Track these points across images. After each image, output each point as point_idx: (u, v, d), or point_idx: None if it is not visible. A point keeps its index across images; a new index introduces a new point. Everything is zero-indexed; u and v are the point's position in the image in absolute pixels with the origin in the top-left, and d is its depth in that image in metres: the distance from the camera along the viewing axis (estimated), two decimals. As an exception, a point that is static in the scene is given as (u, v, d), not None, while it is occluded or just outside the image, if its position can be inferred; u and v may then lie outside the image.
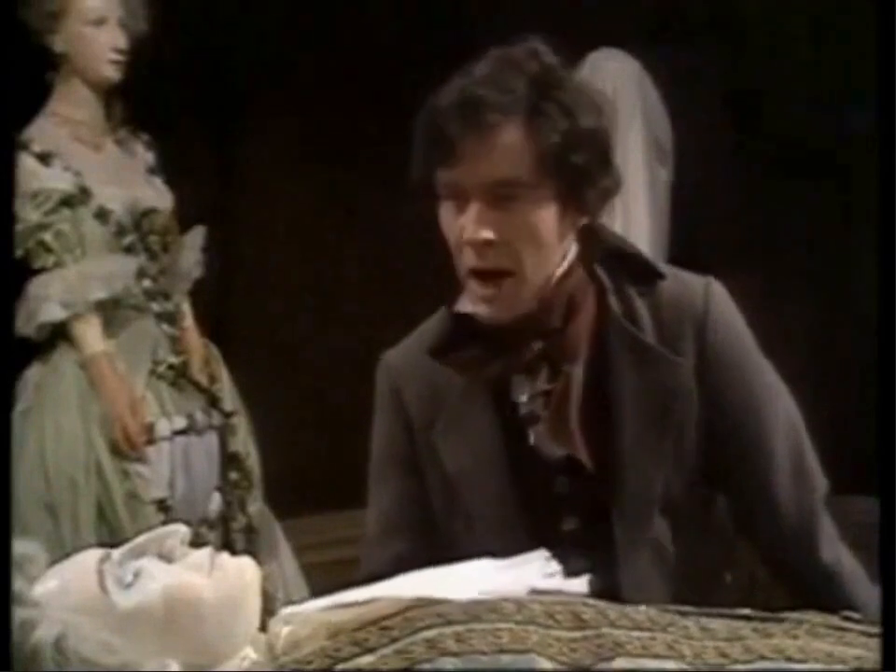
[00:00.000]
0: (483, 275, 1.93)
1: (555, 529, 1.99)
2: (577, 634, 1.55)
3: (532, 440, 1.99)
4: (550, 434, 1.98)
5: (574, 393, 1.98)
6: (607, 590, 1.91)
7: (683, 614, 1.66)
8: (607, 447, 1.98)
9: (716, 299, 2.03)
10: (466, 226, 1.91)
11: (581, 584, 1.77)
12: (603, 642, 1.55)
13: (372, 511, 2.14)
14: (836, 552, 2.05)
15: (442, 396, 2.04)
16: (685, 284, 2.04)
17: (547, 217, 1.92)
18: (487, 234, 1.90)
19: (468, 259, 1.93)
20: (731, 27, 5.05)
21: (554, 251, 1.95)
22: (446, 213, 1.94)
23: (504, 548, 1.95)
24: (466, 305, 2.00)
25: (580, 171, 1.90)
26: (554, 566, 1.78)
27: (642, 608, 1.66)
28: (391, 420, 2.10)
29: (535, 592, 1.69)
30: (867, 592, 1.98)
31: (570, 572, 1.80)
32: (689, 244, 4.42)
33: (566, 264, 1.98)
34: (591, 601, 1.65)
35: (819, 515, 2.05)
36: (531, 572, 1.74)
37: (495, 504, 2.01)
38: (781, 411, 2.05)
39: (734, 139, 4.99)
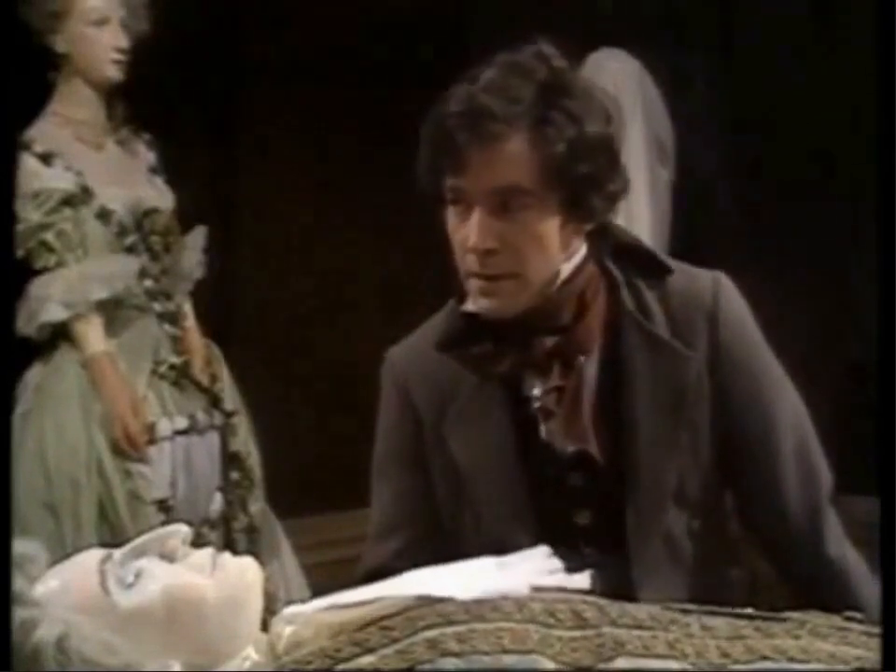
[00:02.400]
0: (484, 277, 1.94)
1: (568, 523, 2.00)
2: (577, 633, 1.55)
3: (544, 434, 2.00)
4: (563, 430, 1.99)
5: (587, 388, 2.00)
6: (618, 585, 1.92)
7: (685, 612, 1.65)
8: (620, 441, 1.99)
9: (725, 293, 2.04)
10: (469, 234, 1.91)
11: (583, 580, 1.76)
12: (604, 641, 1.54)
13: (376, 507, 2.14)
14: (842, 548, 2.06)
15: (452, 390, 2.05)
16: (693, 278, 2.05)
17: (551, 225, 1.92)
18: (490, 244, 1.90)
19: (470, 265, 1.93)
20: (731, 27, 5.05)
21: (559, 255, 1.95)
22: (452, 217, 1.95)
23: (513, 543, 1.96)
24: (470, 305, 2.01)
25: (585, 179, 1.90)
26: (556, 562, 1.77)
27: (644, 605, 1.66)
28: (398, 416, 2.11)
29: (536, 589, 1.68)
30: (872, 590, 1.98)
31: (576, 567, 1.80)
32: (689, 243, 4.42)
33: (572, 264, 1.98)
34: (591, 599, 1.65)
35: (825, 511, 2.06)
36: (532, 569, 1.73)
37: (505, 498, 2.01)
38: (789, 406, 2.06)
39: (734, 138, 4.99)
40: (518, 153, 1.88)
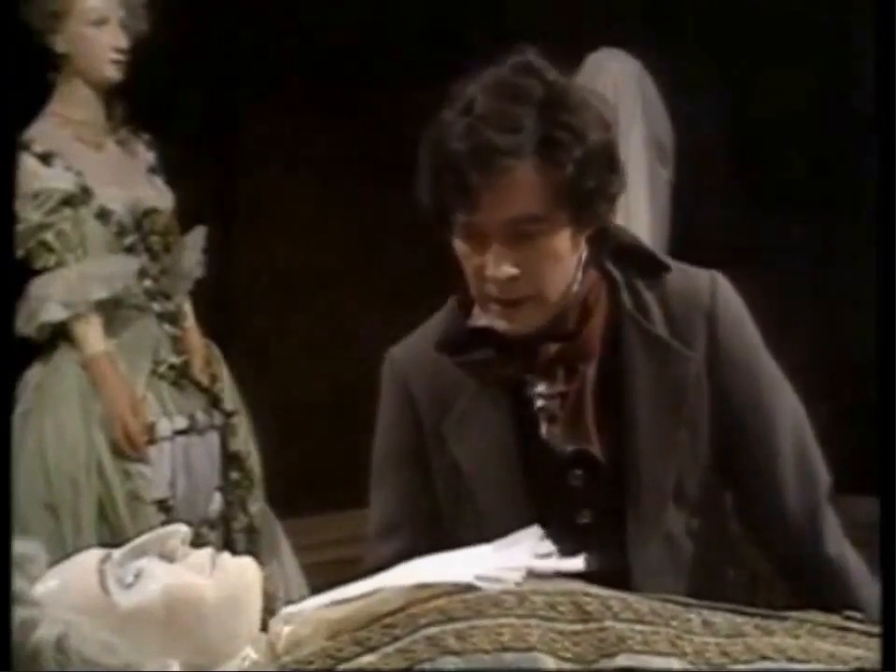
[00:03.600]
0: (504, 302, 1.93)
1: (569, 522, 2.00)
2: (579, 626, 1.55)
3: (544, 434, 2.00)
4: (566, 433, 1.99)
5: (589, 392, 2.00)
6: (618, 583, 1.92)
7: (686, 605, 1.65)
8: (620, 441, 1.99)
9: (723, 292, 2.04)
10: (487, 264, 1.91)
11: (577, 563, 1.76)
12: (606, 636, 1.54)
13: (375, 507, 2.14)
14: (841, 547, 2.06)
15: (453, 391, 2.05)
16: (691, 277, 2.05)
17: (563, 239, 1.92)
18: (510, 271, 1.90)
19: (490, 290, 1.93)
20: (731, 27, 5.05)
21: (571, 265, 1.96)
22: (462, 247, 1.94)
23: None
24: (481, 319, 2.00)
25: (593, 192, 1.90)
26: (549, 544, 1.77)
27: (645, 599, 1.66)
28: (399, 415, 2.11)
29: (531, 573, 1.68)
30: (871, 589, 1.98)
31: (571, 550, 1.79)
32: (689, 243, 4.42)
33: (580, 272, 1.98)
34: (593, 591, 1.64)
35: (823, 510, 2.06)
36: (525, 551, 1.73)
37: (506, 498, 2.01)
38: (787, 405, 2.06)
39: (734, 138, 4.99)
40: (527, 181, 1.87)
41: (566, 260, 1.94)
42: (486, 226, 1.89)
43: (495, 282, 1.91)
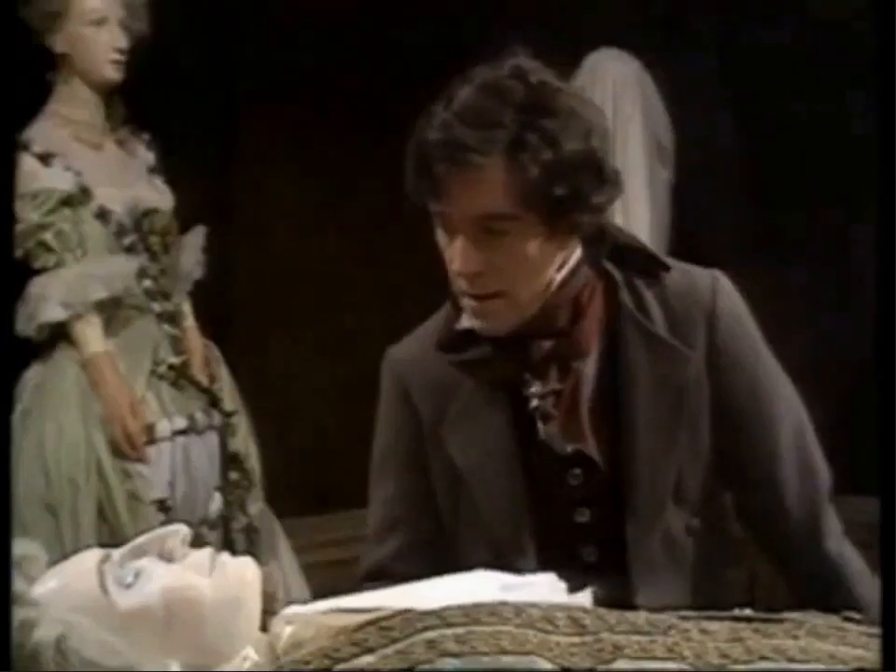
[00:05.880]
0: (475, 297, 1.94)
1: (567, 522, 2.00)
2: (576, 639, 1.55)
3: (542, 434, 2.01)
4: (561, 432, 1.99)
5: (585, 390, 2.00)
6: (618, 584, 1.92)
7: (683, 618, 1.65)
8: (619, 440, 1.99)
9: (724, 291, 2.05)
10: (454, 258, 1.92)
11: (584, 598, 1.76)
12: (603, 646, 1.54)
13: (374, 507, 2.14)
14: (841, 546, 2.07)
15: (451, 390, 2.05)
16: (692, 276, 2.05)
17: (534, 244, 1.91)
18: (474, 267, 1.91)
19: (460, 285, 1.94)
20: (732, 27, 5.06)
21: (547, 269, 1.95)
22: (440, 236, 1.96)
23: (513, 542, 1.96)
24: (465, 321, 2.01)
25: (564, 200, 1.88)
26: (561, 585, 1.76)
27: (642, 613, 1.66)
28: (397, 414, 2.11)
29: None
30: (871, 589, 1.98)
31: (578, 586, 1.78)
32: (689, 243, 4.42)
33: (565, 271, 1.98)
34: (590, 608, 1.65)
35: (824, 508, 2.07)
36: (537, 593, 1.72)
37: (504, 497, 2.02)
38: (787, 403, 2.06)
39: (734, 138, 4.99)
40: (495, 180, 1.87)
41: (537, 265, 1.93)
42: (455, 218, 1.91)
43: (462, 276, 1.92)
